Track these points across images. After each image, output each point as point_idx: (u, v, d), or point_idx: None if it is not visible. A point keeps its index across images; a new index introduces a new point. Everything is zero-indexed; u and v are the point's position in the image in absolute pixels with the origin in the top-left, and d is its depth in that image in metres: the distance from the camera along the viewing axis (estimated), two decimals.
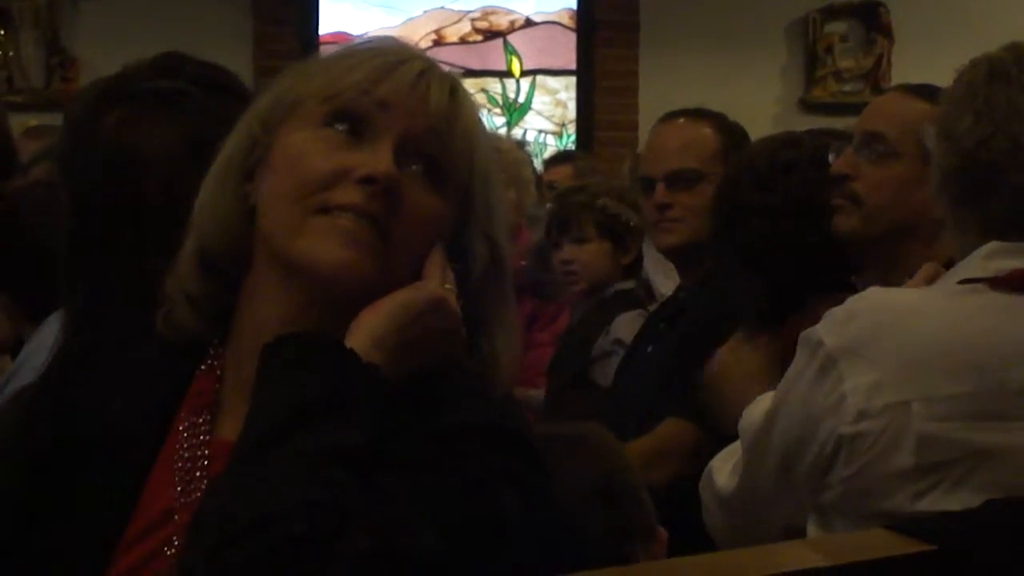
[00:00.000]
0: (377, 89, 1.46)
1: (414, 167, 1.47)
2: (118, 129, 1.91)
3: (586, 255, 4.08)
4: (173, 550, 1.44)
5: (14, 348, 3.34)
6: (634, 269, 4.13)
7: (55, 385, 1.60)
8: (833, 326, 2.10)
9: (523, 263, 4.50)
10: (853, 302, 2.14)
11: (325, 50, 1.59)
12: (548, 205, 4.39)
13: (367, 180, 1.43)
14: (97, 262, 1.91)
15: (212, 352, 1.56)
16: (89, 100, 2.00)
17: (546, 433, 2.47)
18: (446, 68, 1.54)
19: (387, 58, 1.48)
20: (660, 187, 3.46)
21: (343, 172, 1.44)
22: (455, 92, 1.50)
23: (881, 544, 1.85)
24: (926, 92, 2.70)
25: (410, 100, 1.47)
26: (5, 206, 3.42)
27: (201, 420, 1.52)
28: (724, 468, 2.40)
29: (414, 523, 1.31)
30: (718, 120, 3.57)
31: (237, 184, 1.51)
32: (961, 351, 2.03)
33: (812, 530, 2.14)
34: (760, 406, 2.30)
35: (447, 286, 1.48)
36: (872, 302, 2.14)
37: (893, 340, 2.06)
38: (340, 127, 1.46)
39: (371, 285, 1.44)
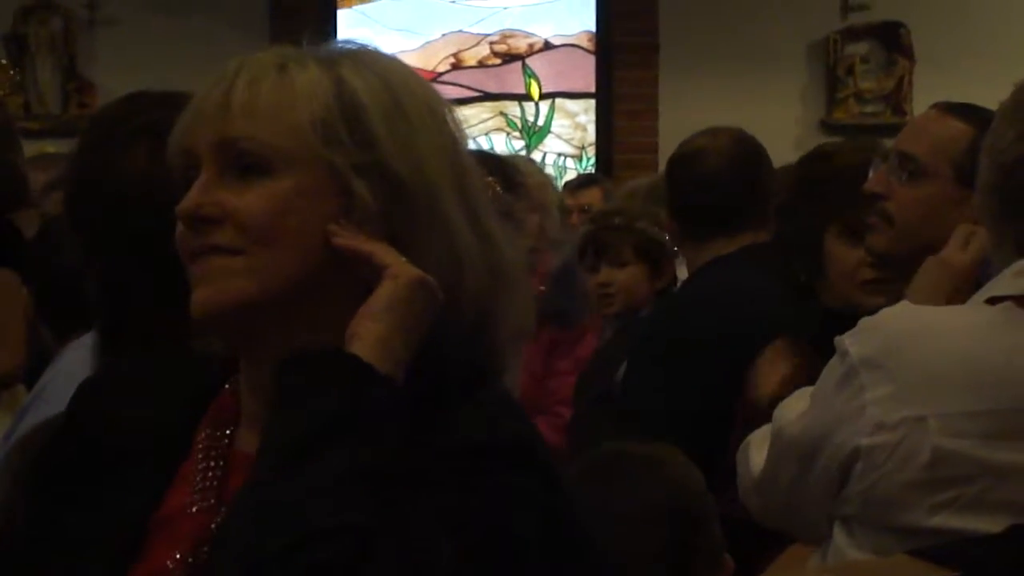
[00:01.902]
0: (195, 123, 1.47)
1: (231, 172, 1.45)
2: (150, 161, 1.90)
3: (624, 278, 4.08)
4: (186, 559, 1.45)
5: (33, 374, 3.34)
6: (667, 292, 4.10)
7: (75, 407, 1.61)
8: (859, 335, 2.11)
9: (542, 289, 4.47)
10: (882, 314, 2.16)
11: None
12: (582, 228, 4.35)
13: (181, 220, 1.45)
14: (127, 288, 1.91)
15: (233, 377, 1.55)
16: (110, 129, 1.98)
17: (623, 450, 2.50)
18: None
19: (207, 92, 1.48)
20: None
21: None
22: (235, 83, 1.46)
23: (903, 570, 1.82)
24: (965, 111, 2.70)
25: (212, 112, 1.46)
26: (15, 233, 3.42)
27: (219, 433, 1.52)
28: (762, 446, 2.39)
29: (434, 545, 1.30)
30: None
31: None
32: (981, 368, 2.03)
33: (839, 538, 2.13)
34: (797, 399, 2.30)
35: (403, 259, 1.45)
36: (899, 315, 2.16)
37: (915, 354, 2.06)
38: (193, 173, 1.47)
39: (258, 302, 1.43)
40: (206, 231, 1.43)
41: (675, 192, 3.69)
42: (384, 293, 1.42)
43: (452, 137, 1.53)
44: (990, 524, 1.95)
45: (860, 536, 2.10)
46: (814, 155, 3.40)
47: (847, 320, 2.24)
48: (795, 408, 2.27)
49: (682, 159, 3.68)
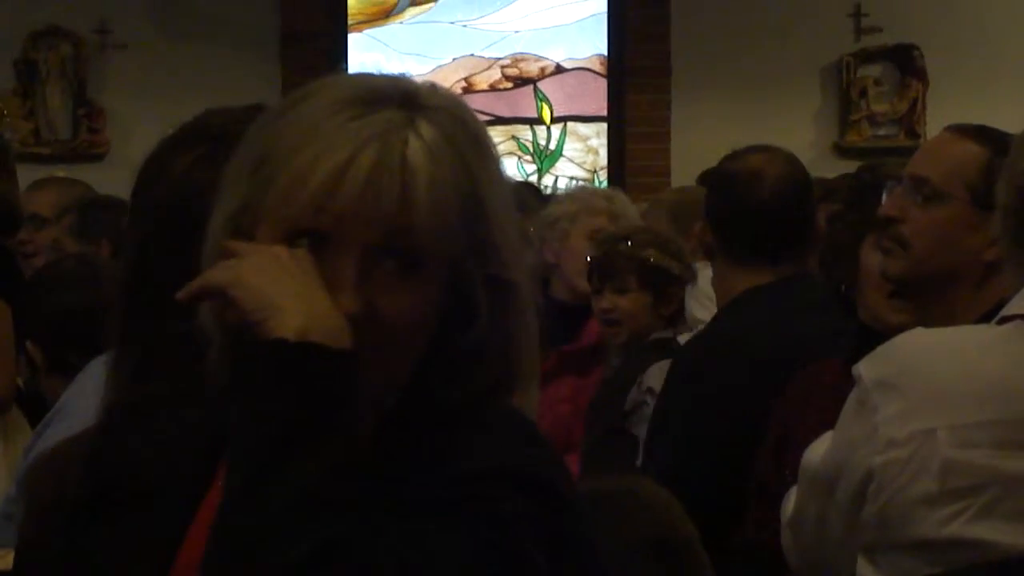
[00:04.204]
0: (330, 204, 1.38)
1: (388, 267, 1.40)
2: (191, 168, 1.86)
3: (627, 305, 4.03)
4: None
5: (30, 401, 3.34)
6: (675, 319, 4.08)
7: (100, 439, 1.61)
8: (872, 360, 2.13)
9: None
10: (895, 339, 2.18)
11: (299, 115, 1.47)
12: (589, 251, 4.33)
13: None
14: (153, 310, 1.86)
15: None
16: (167, 140, 1.96)
17: (596, 488, 2.48)
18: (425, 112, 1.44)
19: (337, 156, 1.39)
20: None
21: None
22: (407, 170, 1.39)
23: None
24: (979, 133, 2.70)
25: (363, 209, 1.38)
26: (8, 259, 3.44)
27: None
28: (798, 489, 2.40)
29: (437, 573, 1.28)
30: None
31: None
32: (990, 379, 2.05)
33: (863, 570, 2.14)
34: (824, 440, 2.30)
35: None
36: (910, 338, 2.17)
37: (925, 371, 2.08)
38: (301, 243, 1.40)
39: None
40: (352, 331, 1.37)
41: (722, 211, 3.59)
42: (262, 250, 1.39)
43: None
44: (1002, 534, 1.98)
45: (883, 564, 2.09)
46: (864, 165, 3.42)
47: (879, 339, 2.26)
48: (822, 447, 2.28)
49: (736, 178, 3.58)
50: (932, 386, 2.05)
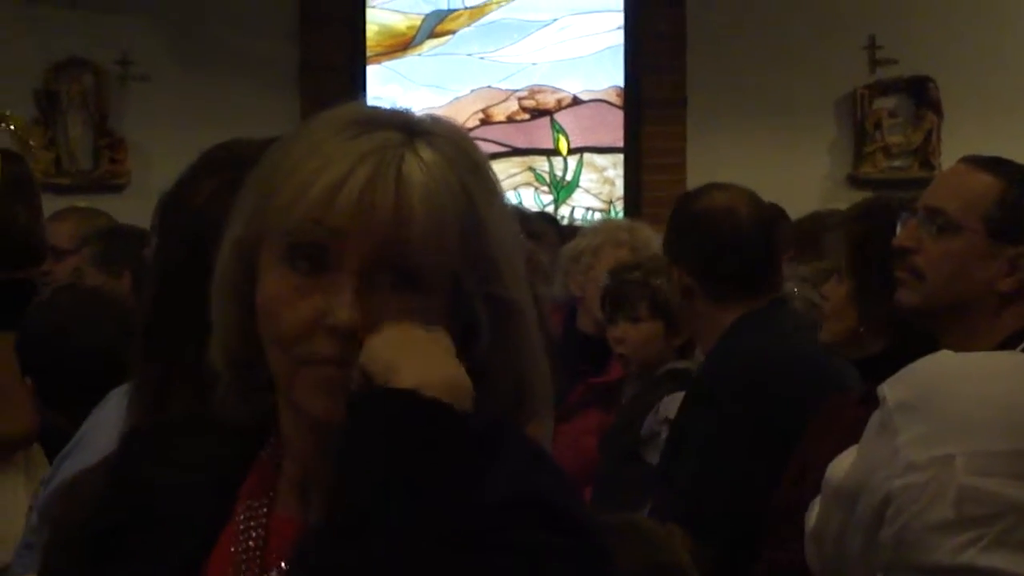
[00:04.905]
0: (325, 217, 1.39)
1: (385, 281, 1.41)
2: (213, 195, 1.88)
3: (638, 334, 4.05)
4: None
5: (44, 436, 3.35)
6: (689, 349, 4.08)
7: (119, 467, 1.60)
8: (896, 382, 2.17)
9: None
10: (919, 361, 2.21)
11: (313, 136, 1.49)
12: (602, 281, 4.35)
13: (333, 331, 1.39)
14: (173, 340, 1.89)
15: (271, 440, 1.54)
16: (191, 168, 1.98)
17: (601, 521, 2.48)
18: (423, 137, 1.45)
19: (333, 171, 1.40)
20: None
21: (312, 322, 1.40)
22: (402, 183, 1.40)
23: None
24: (993, 165, 2.69)
25: (359, 221, 1.39)
26: (21, 290, 3.44)
27: (258, 503, 1.51)
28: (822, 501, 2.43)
29: None
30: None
31: (240, 300, 1.48)
32: (1010, 407, 2.07)
33: None
34: (848, 455, 2.33)
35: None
36: (934, 361, 2.21)
37: (947, 396, 2.11)
38: (301, 264, 1.41)
39: None
40: (351, 344, 1.38)
41: (704, 250, 3.59)
42: (412, 328, 1.40)
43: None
44: (1016, 564, 2.00)
45: None
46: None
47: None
48: (846, 461, 2.30)
49: (714, 216, 3.60)
50: (953, 411, 2.07)
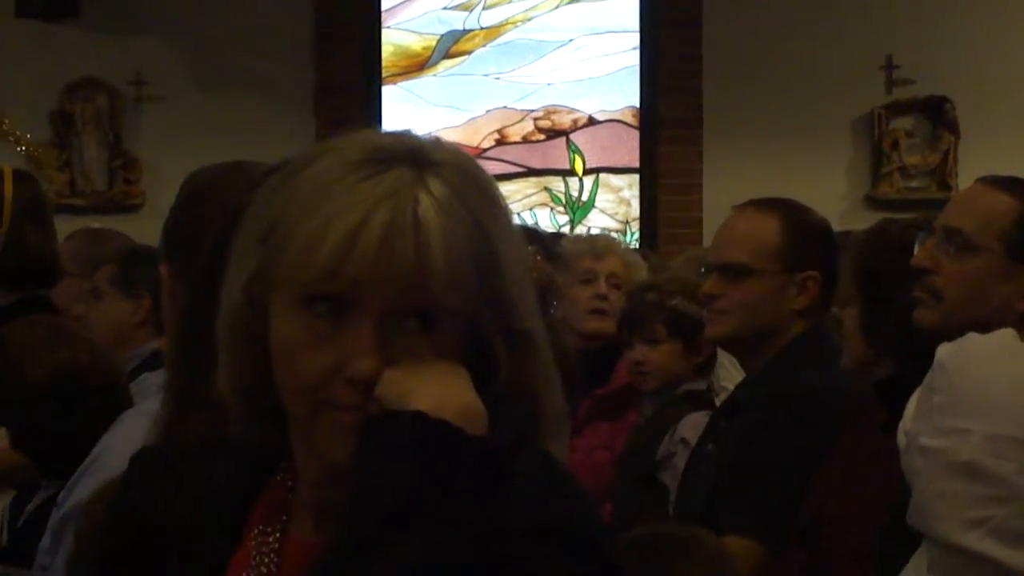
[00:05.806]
0: (344, 268, 1.37)
1: (405, 326, 1.40)
2: (213, 224, 1.88)
3: (657, 356, 4.02)
4: None
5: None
6: (706, 368, 4.07)
7: (132, 488, 1.60)
8: (949, 348, 2.28)
9: None
10: (978, 336, 2.32)
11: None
12: (619, 303, 4.34)
13: (353, 381, 1.38)
14: (193, 360, 1.88)
15: (283, 465, 1.53)
16: (214, 178, 1.97)
17: (659, 532, 2.50)
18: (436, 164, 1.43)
19: (349, 219, 1.37)
20: (713, 277, 3.41)
21: (333, 370, 1.39)
22: (419, 230, 1.38)
23: None
24: (1011, 185, 2.70)
25: (379, 271, 1.37)
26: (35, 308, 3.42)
27: (271, 528, 1.51)
28: None
29: None
30: (790, 214, 3.50)
31: (250, 336, 1.46)
32: None
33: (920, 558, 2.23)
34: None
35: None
36: (984, 337, 2.30)
37: (981, 374, 2.19)
38: (319, 308, 1.40)
39: None
40: (372, 394, 1.38)
41: (834, 263, 3.47)
42: (438, 362, 1.40)
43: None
44: (1010, 555, 2.05)
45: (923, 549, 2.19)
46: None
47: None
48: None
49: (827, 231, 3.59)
50: (981, 389, 2.14)
